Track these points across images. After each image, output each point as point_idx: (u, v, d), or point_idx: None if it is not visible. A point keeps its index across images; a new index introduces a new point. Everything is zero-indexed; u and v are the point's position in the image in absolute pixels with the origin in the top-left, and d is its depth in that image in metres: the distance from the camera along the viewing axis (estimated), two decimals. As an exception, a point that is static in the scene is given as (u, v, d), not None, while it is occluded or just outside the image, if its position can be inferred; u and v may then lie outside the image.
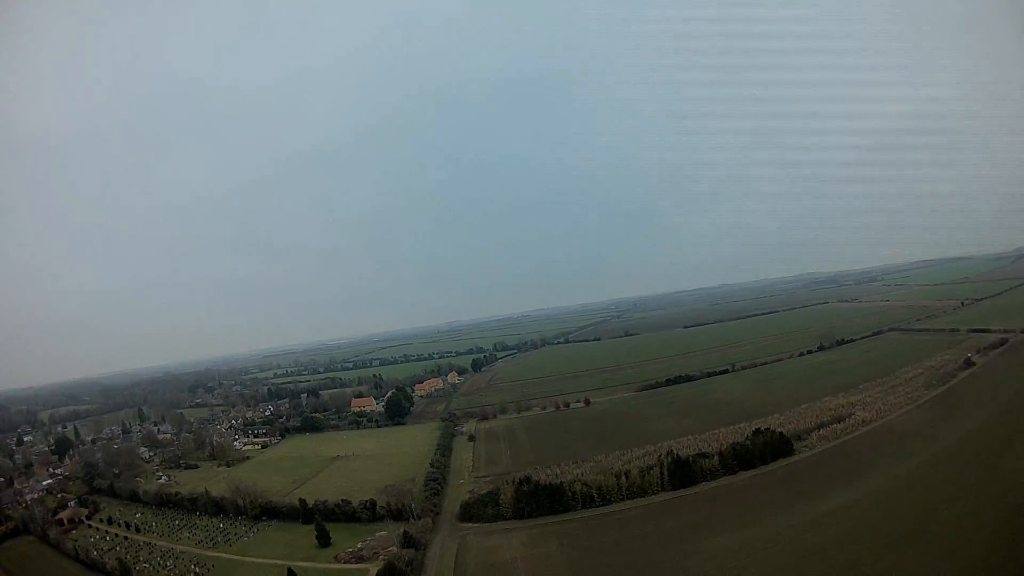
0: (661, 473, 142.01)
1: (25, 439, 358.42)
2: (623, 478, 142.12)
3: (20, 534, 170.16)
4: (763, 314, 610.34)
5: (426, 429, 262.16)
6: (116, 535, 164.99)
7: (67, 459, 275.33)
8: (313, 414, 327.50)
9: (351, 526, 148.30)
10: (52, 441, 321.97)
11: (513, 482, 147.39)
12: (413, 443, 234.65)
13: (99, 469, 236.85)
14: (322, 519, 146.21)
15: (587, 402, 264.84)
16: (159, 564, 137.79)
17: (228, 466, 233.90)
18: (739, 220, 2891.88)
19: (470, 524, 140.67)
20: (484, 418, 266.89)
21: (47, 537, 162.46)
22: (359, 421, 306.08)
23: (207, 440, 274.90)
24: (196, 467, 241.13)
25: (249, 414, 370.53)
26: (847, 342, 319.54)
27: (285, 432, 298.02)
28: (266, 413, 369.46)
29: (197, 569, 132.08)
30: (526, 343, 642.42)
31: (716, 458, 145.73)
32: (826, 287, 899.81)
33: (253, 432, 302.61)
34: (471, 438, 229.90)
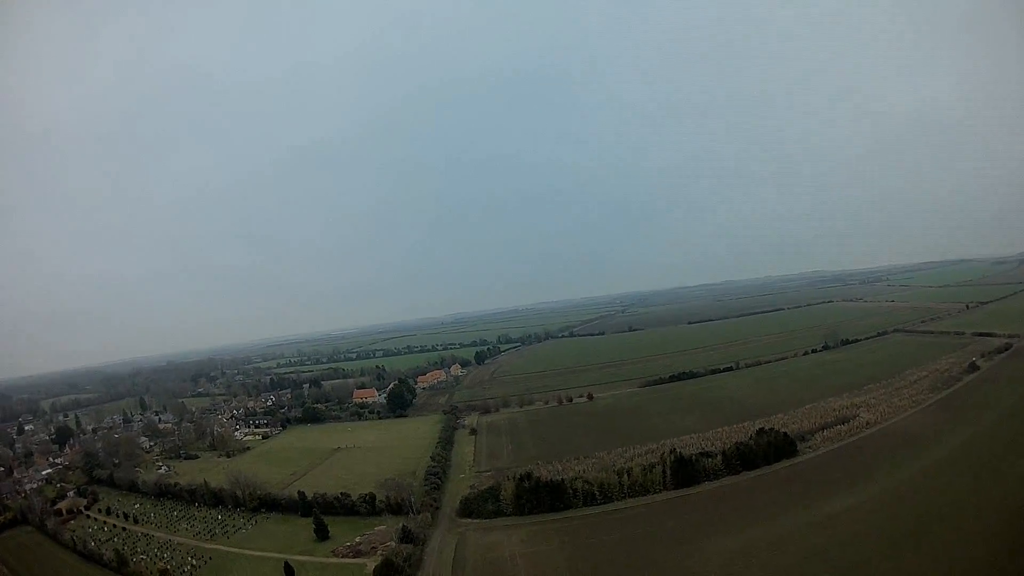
0: (663, 472, 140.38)
1: (26, 428, 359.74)
2: (625, 476, 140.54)
3: (18, 524, 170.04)
4: (767, 312, 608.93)
5: (428, 422, 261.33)
6: (114, 526, 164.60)
7: (67, 448, 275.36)
8: (315, 405, 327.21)
9: (350, 520, 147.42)
10: (53, 430, 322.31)
11: (514, 478, 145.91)
12: (414, 436, 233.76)
13: (99, 459, 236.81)
14: (321, 512, 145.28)
15: (590, 397, 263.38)
16: (156, 556, 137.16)
17: (228, 457, 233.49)
18: (743, 217, 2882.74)
19: (470, 520, 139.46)
20: (486, 411, 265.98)
21: (45, 527, 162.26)
22: (361, 412, 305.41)
23: (208, 430, 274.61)
24: (196, 457, 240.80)
25: (251, 404, 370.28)
26: (852, 342, 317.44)
27: (286, 423, 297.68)
28: (268, 403, 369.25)
29: (194, 561, 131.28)
30: (530, 336, 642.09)
31: (719, 457, 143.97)
32: (831, 286, 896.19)
33: (254, 422, 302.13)
34: (473, 431, 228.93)
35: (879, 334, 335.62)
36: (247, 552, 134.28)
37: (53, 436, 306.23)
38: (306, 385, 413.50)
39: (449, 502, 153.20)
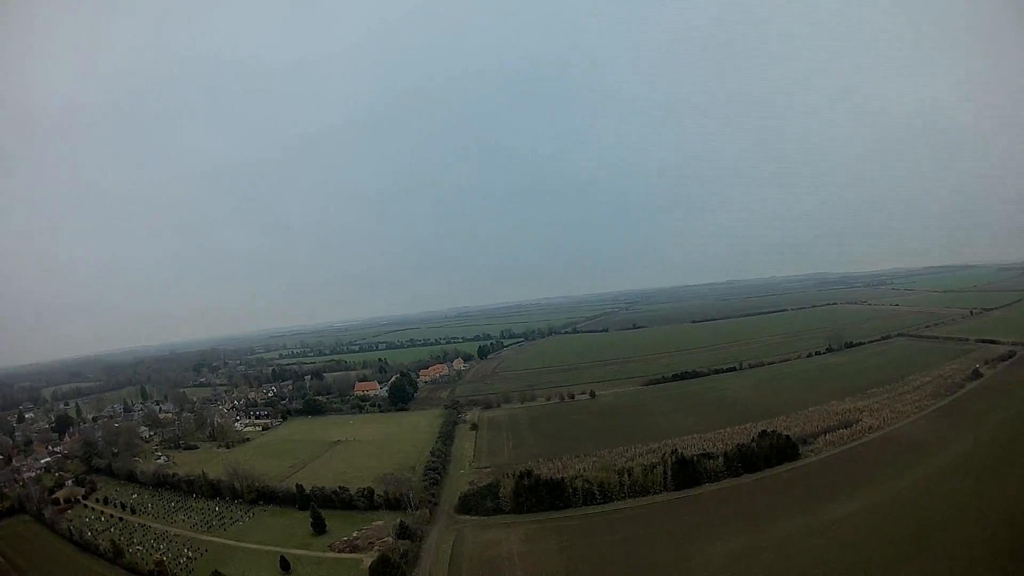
0: (664, 472, 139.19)
1: (27, 416, 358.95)
2: (626, 476, 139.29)
3: (16, 513, 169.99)
4: (771, 312, 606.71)
5: (429, 416, 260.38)
6: (111, 516, 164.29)
7: (67, 437, 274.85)
8: (316, 397, 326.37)
9: (347, 514, 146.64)
10: (53, 419, 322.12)
11: (514, 475, 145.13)
12: (415, 430, 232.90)
13: (98, 448, 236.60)
14: (319, 506, 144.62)
15: (592, 394, 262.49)
16: (152, 547, 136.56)
17: (228, 448, 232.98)
18: (748, 217, 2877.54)
19: (468, 516, 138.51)
20: (488, 406, 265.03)
21: (42, 517, 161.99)
22: (362, 405, 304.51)
23: (208, 420, 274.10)
24: (196, 448, 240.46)
25: (252, 395, 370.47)
26: (855, 345, 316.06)
27: (287, 414, 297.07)
28: (269, 394, 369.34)
29: (190, 553, 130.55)
30: (533, 331, 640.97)
31: (721, 459, 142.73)
32: (835, 288, 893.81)
33: (255, 413, 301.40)
34: (474, 427, 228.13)
35: (883, 338, 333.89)
36: (243, 545, 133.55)
37: (53, 424, 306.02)
38: (308, 377, 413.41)
39: (448, 498, 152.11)
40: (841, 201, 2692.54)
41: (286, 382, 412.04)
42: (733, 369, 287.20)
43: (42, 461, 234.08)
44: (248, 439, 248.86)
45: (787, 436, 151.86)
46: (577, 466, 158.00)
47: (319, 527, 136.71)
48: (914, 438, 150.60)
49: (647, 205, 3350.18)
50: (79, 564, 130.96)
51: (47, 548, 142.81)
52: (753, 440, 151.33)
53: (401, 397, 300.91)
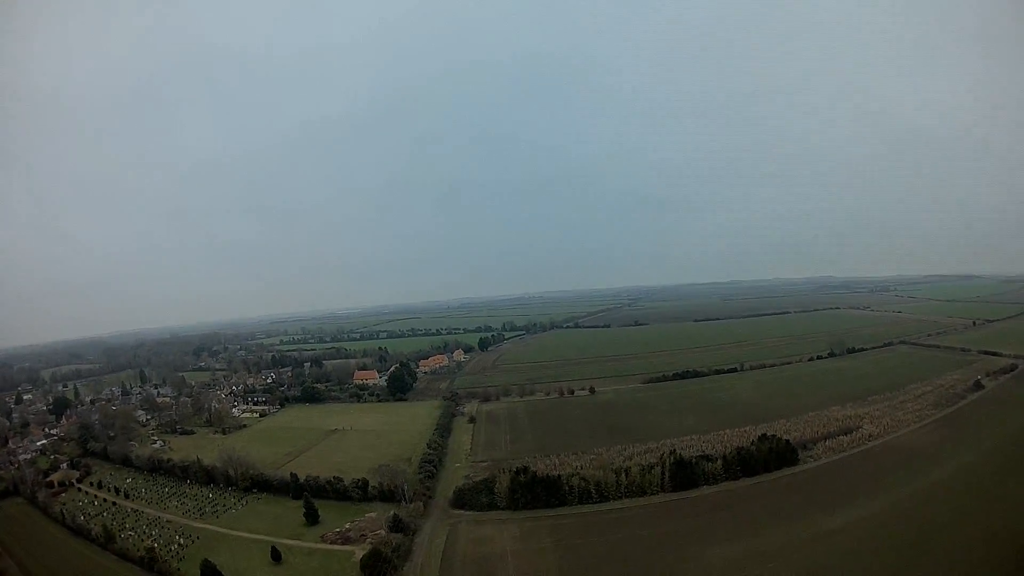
0: (662, 473, 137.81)
1: (25, 397, 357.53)
2: (623, 475, 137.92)
3: (10, 495, 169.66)
4: (774, 314, 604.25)
5: (427, 407, 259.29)
6: (104, 500, 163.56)
7: (64, 419, 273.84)
8: (314, 384, 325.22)
9: (341, 505, 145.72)
10: (51, 400, 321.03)
11: (510, 471, 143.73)
12: (412, 421, 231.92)
13: (94, 431, 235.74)
14: (312, 496, 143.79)
15: (592, 390, 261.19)
16: (145, 533, 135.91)
17: (224, 434, 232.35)
18: (752, 218, 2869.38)
19: (462, 511, 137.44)
20: (486, 399, 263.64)
21: (36, 500, 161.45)
22: (360, 394, 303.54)
23: (205, 405, 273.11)
24: (192, 433, 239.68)
25: (250, 381, 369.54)
26: (857, 351, 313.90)
27: (285, 401, 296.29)
28: (268, 381, 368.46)
29: (181, 540, 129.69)
30: (535, 325, 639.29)
31: (719, 462, 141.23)
32: (838, 292, 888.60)
33: (253, 400, 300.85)
34: (472, 419, 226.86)
35: (885, 344, 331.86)
36: (235, 533, 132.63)
37: (51, 406, 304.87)
38: (307, 364, 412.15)
39: (443, 491, 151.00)
40: (842, 202, 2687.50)
41: (285, 368, 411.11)
42: (734, 370, 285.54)
43: (38, 443, 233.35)
44: (245, 425, 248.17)
45: (787, 441, 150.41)
46: (574, 463, 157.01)
47: (312, 517, 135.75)
48: (915, 448, 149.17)
49: (649, 202, 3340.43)
50: (71, 548, 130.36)
51: (40, 532, 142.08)
52: (753, 443, 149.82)
53: (400, 387, 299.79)
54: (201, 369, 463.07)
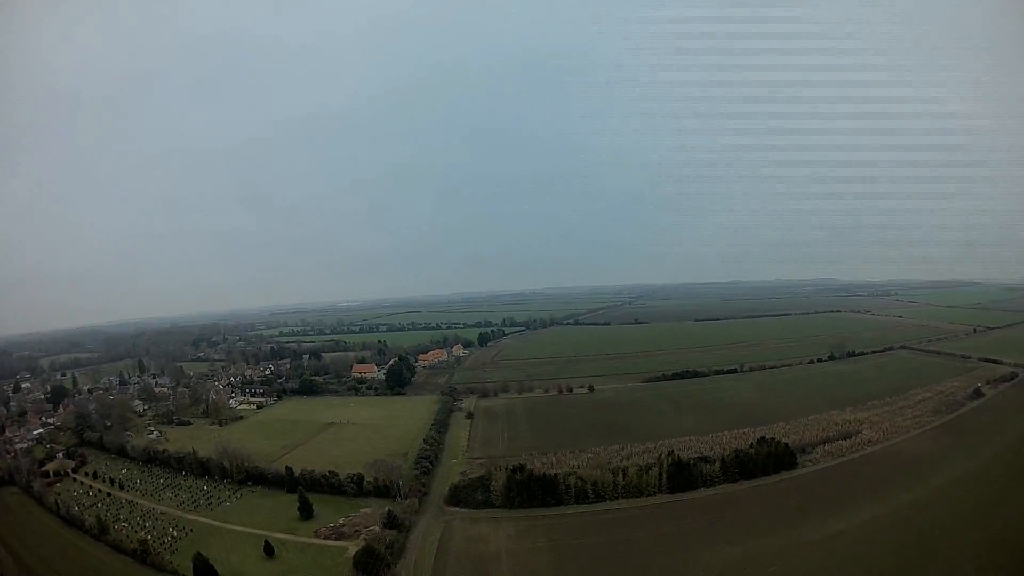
0: (660, 474, 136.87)
1: (23, 386, 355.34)
2: (620, 475, 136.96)
3: (5, 485, 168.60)
4: (775, 315, 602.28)
5: (425, 402, 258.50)
6: (99, 491, 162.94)
7: (61, 408, 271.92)
8: (312, 377, 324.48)
9: (336, 499, 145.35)
10: (48, 389, 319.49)
11: (506, 469, 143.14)
12: (410, 415, 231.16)
13: (91, 420, 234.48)
14: (307, 490, 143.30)
15: (591, 388, 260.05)
16: (138, 524, 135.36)
17: (220, 425, 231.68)
18: (749, 217, 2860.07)
19: (457, 509, 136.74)
20: (485, 395, 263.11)
21: (31, 489, 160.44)
22: (358, 388, 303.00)
23: (203, 396, 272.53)
24: (188, 424, 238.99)
25: (248, 372, 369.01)
26: (857, 355, 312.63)
27: (282, 393, 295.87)
28: (266, 372, 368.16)
29: (175, 532, 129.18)
30: (535, 321, 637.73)
31: (717, 464, 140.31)
32: (839, 295, 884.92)
33: (250, 391, 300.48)
34: (469, 415, 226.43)
35: (885, 349, 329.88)
36: (228, 526, 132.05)
37: (48, 395, 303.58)
38: (306, 356, 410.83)
39: (438, 488, 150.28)
40: (842, 203, 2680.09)
41: (284, 360, 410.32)
42: (734, 371, 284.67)
43: (35, 432, 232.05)
44: (241, 417, 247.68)
45: (786, 444, 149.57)
46: (571, 462, 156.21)
47: (306, 511, 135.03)
48: (913, 455, 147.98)
49: (650, 201, 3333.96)
50: (64, 539, 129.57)
51: (34, 522, 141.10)
52: (751, 446, 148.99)
53: (398, 381, 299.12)
54: (200, 360, 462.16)
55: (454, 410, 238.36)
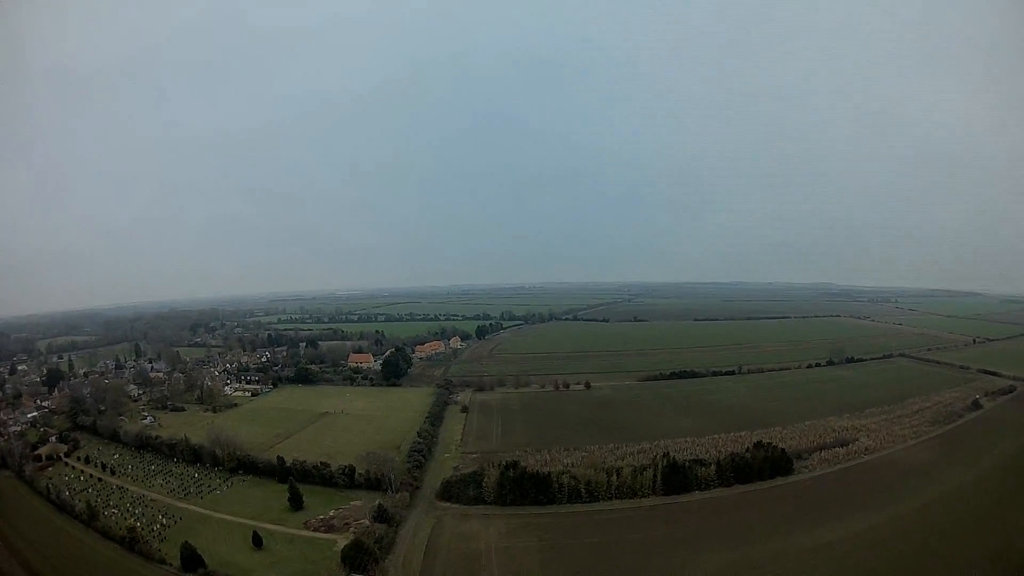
0: (654, 475, 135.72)
1: (19, 368, 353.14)
2: (614, 476, 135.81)
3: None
4: (774, 318, 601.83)
5: (420, 394, 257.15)
6: (90, 476, 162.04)
7: (56, 391, 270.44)
8: (308, 365, 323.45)
9: (326, 491, 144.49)
10: (44, 371, 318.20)
11: (499, 465, 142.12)
12: (404, 407, 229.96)
13: (85, 404, 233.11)
14: (298, 480, 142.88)
15: (587, 385, 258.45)
16: (128, 511, 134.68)
17: (214, 412, 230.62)
18: (749, 217, 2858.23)
19: (449, 504, 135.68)
20: (480, 389, 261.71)
21: (23, 473, 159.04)
22: (354, 377, 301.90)
23: (198, 382, 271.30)
24: (182, 410, 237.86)
25: (245, 359, 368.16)
26: (856, 361, 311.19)
27: (278, 381, 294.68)
28: (262, 359, 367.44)
29: (164, 520, 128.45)
30: (534, 315, 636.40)
31: (713, 467, 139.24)
32: (839, 300, 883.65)
33: (246, 378, 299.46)
34: (464, 409, 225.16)
35: (884, 356, 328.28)
36: (218, 515, 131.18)
37: (44, 378, 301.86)
38: (303, 344, 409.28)
39: (430, 482, 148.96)
40: (842, 204, 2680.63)
41: (281, 348, 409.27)
42: (732, 373, 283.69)
43: (29, 415, 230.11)
44: (236, 404, 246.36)
45: (782, 449, 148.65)
46: (565, 460, 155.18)
47: (296, 502, 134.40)
48: (910, 466, 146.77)
49: (651, 199, 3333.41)
50: (54, 524, 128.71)
51: (25, 507, 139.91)
52: (748, 450, 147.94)
53: (394, 372, 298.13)
54: (197, 345, 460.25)
55: (449, 403, 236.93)
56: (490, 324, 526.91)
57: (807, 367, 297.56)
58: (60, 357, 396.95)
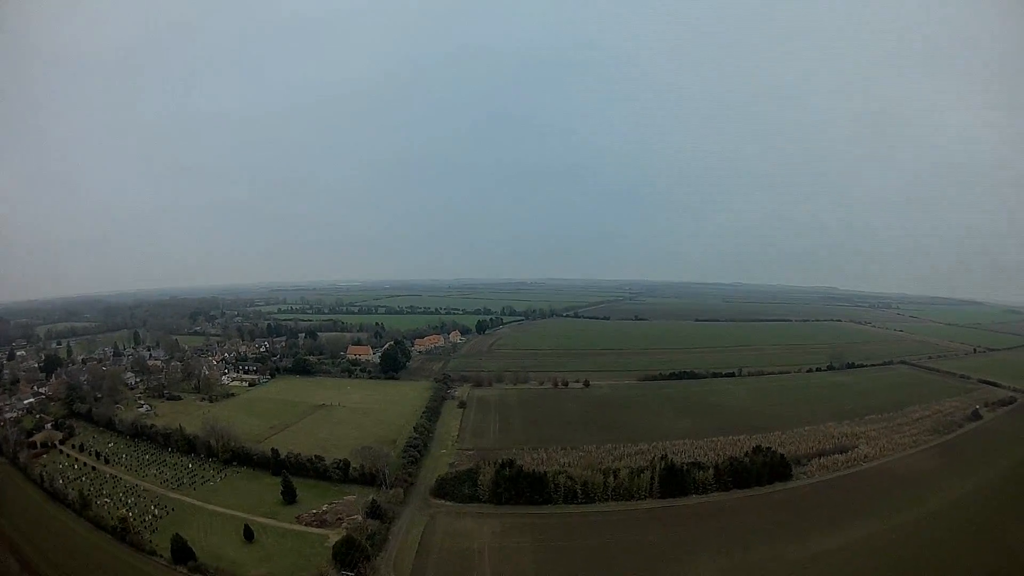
0: (652, 478, 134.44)
1: (18, 354, 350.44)
2: (611, 477, 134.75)
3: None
4: (775, 320, 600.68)
5: (418, 388, 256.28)
6: (84, 464, 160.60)
7: (53, 378, 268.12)
8: (307, 356, 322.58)
9: (320, 484, 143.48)
10: (43, 358, 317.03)
11: (495, 463, 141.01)
12: (402, 401, 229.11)
13: (81, 392, 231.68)
14: (291, 473, 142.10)
15: (586, 384, 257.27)
16: (120, 500, 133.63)
17: (211, 401, 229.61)
18: (749, 218, 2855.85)
19: (443, 502, 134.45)
20: (479, 384, 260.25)
21: (17, 460, 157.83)
22: (352, 370, 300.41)
23: (195, 372, 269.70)
24: (179, 399, 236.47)
25: (243, 349, 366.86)
26: (857, 366, 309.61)
27: (276, 371, 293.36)
28: (261, 349, 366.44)
29: (156, 510, 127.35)
30: (534, 311, 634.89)
31: (711, 471, 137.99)
32: (840, 305, 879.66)
33: (244, 368, 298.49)
34: (462, 404, 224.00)
35: (885, 363, 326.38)
36: (210, 507, 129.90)
37: (42, 364, 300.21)
38: (302, 335, 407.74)
39: (425, 479, 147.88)
40: (842, 205, 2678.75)
41: (280, 338, 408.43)
42: (732, 375, 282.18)
43: (25, 402, 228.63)
44: (233, 394, 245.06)
45: (782, 455, 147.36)
46: (562, 459, 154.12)
47: (289, 496, 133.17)
48: (910, 474, 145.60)
49: (651, 198, 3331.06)
50: (46, 513, 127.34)
51: (17, 494, 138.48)
52: (746, 455, 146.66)
53: (392, 365, 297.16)
54: (196, 333, 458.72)
55: (447, 398, 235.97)
56: (490, 319, 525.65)
57: (807, 371, 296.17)
58: (59, 343, 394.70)
